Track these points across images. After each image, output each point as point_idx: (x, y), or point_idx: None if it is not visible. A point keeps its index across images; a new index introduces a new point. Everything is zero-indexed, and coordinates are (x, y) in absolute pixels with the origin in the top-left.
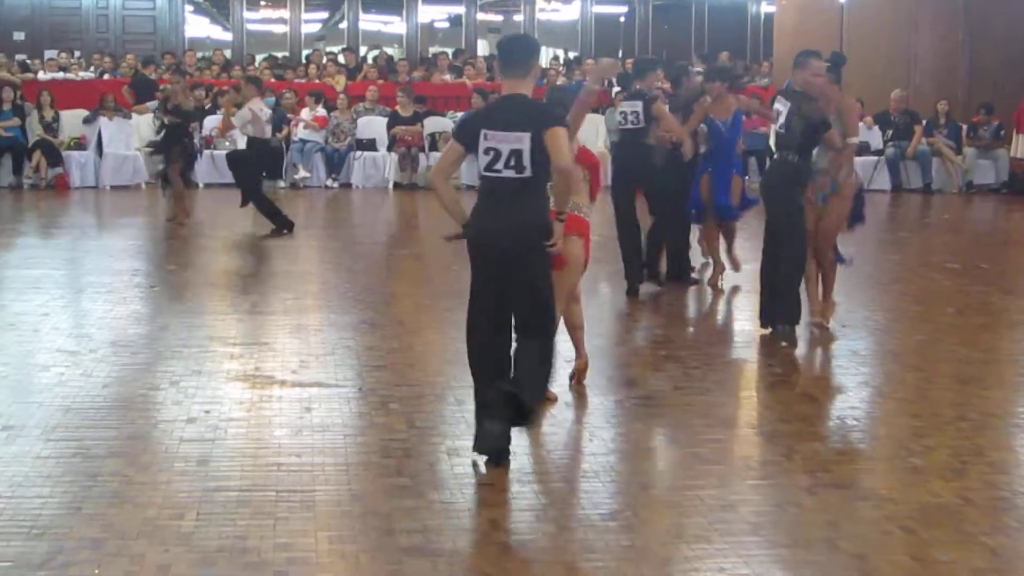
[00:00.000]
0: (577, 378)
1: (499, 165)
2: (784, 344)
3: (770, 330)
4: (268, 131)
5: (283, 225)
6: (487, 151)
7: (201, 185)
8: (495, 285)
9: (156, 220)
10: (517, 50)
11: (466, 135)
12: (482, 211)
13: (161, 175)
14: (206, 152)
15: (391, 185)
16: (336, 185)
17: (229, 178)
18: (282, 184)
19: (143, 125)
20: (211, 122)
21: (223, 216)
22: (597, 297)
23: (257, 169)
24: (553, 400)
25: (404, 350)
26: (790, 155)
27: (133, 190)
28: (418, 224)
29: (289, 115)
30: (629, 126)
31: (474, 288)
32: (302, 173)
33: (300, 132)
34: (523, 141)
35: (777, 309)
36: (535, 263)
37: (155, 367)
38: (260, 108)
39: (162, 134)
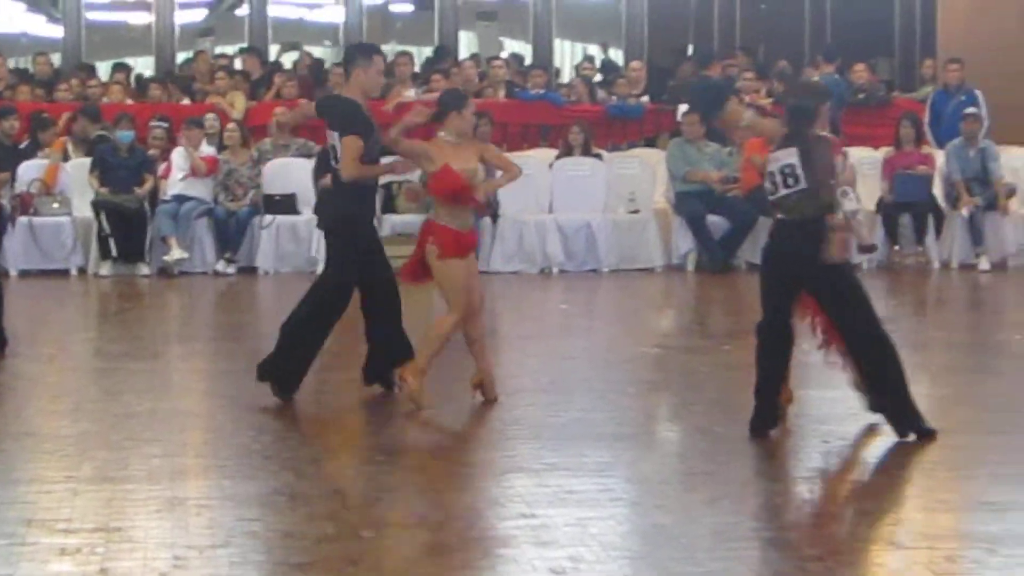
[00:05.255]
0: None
1: (332, 159)
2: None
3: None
4: None
5: None
6: (331, 147)
7: (14, 272)
8: None
9: None
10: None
11: None
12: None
13: None
14: (21, 221)
15: (320, 268)
16: (232, 270)
17: (54, 262)
18: (145, 270)
19: None
20: (31, 170)
21: (47, 324)
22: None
23: None
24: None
25: (344, 537)
26: None
27: None
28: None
29: (152, 154)
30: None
31: None
32: (176, 252)
33: (174, 185)
34: (336, 139)
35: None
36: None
37: None
38: None
39: None
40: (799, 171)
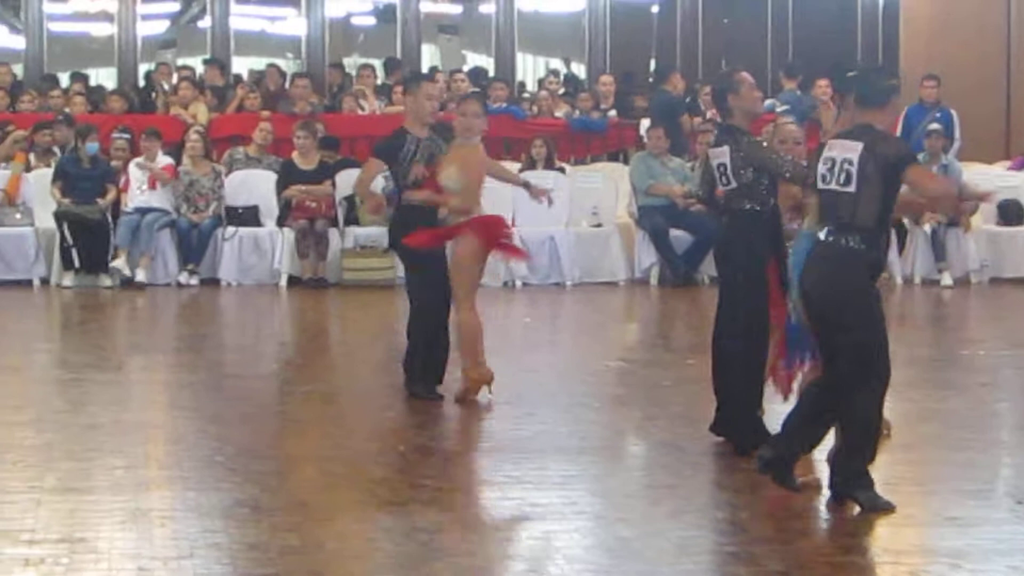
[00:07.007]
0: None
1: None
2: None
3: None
4: None
5: None
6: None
7: None
8: None
9: None
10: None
11: None
12: None
13: None
14: None
15: (284, 280)
16: (195, 282)
17: (17, 272)
18: (108, 281)
19: None
20: None
21: (9, 335)
22: None
23: None
24: None
25: (308, 549)
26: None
27: None
28: (328, 343)
29: (115, 165)
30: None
31: None
32: (122, 264)
33: (135, 197)
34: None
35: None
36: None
37: None
38: None
39: None
40: (729, 171)
